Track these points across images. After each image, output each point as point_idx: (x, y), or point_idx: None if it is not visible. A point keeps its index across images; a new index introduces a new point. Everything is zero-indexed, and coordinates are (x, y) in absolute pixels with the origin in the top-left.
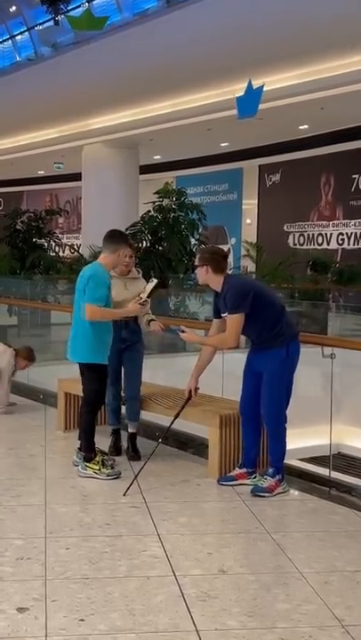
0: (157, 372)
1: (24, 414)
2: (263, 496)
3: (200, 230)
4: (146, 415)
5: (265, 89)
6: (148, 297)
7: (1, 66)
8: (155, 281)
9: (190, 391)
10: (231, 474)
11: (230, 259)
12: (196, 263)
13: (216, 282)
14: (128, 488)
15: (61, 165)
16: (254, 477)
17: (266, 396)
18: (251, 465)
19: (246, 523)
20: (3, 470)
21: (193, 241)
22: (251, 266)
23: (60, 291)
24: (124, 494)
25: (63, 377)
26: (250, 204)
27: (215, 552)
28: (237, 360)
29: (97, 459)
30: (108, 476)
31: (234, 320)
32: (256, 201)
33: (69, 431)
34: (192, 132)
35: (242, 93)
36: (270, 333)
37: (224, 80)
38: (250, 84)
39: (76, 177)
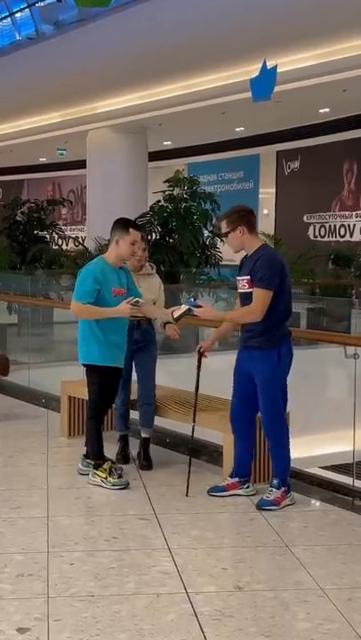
0: (171, 373)
1: (25, 420)
2: (271, 509)
3: (213, 221)
4: (157, 421)
5: (283, 70)
6: (177, 318)
7: (0, 45)
8: (191, 304)
9: (200, 353)
10: (222, 484)
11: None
12: (226, 229)
13: (252, 243)
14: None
15: (64, 152)
16: (247, 487)
17: (262, 405)
18: (243, 474)
19: (264, 536)
20: (1, 480)
21: (206, 233)
22: None
23: (64, 287)
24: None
25: (67, 379)
26: (267, 194)
27: (230, 567)
28: None
29: (105, 466)
30: (113, 485)
31: (262, 295)
32: (274, 190)
33: (73, 438)
34: (205, 116)
35: (256, 74)
36: (268, 330)
37: (239, 60)
38: (264, 65)
39: (81, 164)
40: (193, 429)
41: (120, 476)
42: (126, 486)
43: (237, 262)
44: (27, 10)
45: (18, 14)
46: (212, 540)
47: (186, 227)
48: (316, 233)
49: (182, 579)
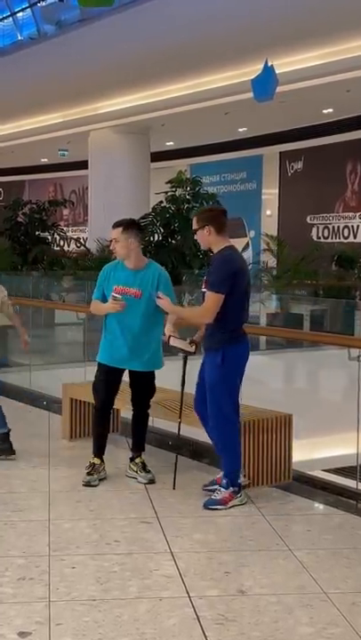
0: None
1: (26, 422)
2: (216, 509)
3: None
4: (159, 423)
5: (287, 70)
6: (170, 344)
7: (1, 45)
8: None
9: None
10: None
11: (249, 253)
12: (195, 226)
13: (218, 244)
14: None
15: (66, 152)
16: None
17: (208, 407)
18: None
19: (267, 539)
20: (2, 483)
21: None
22: (271, 261)
23: (66, 288)
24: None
25: (68, 381)
26: (270, 194)
27: (233, 571)
28: (258, 363)
29: (93, 460)
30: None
31: (211, 298)
32: (277, 191)
33: (75, 440)
34: (208, 117)
35: (257, 74)
36: (212, 331)
37: (242, 60)
38: (266, 65)
39: (83, 165)
40: (179, 426)
41: (89, 474)
42: (87, 484)
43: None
44: (28, 9)
45: (19, 14)
46: (215, 544)
47: (188, 228)
48: (320, 234)
49: (185, 583)
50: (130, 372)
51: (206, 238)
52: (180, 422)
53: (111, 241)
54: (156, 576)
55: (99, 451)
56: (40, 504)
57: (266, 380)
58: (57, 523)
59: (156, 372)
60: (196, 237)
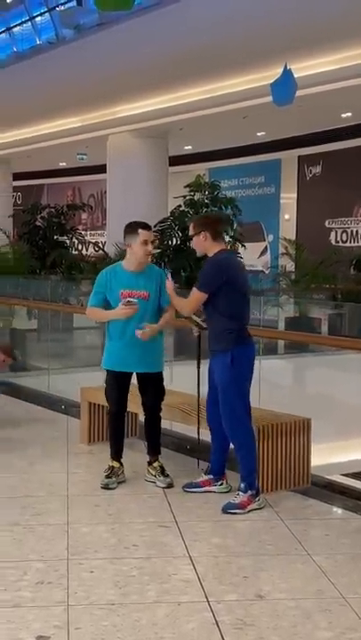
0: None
1: (44, 426)
2: (235, 513)
3: (235, 226)
4: (176, 427)
5: (305, 74)
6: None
7: (20, 49)
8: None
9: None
10: (196, 481)
11: (267, 257)
12: (192, 232)
13: (213, 249)
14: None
15: (85, 157)
16: (220, 484)
17: (221, 409)
18: (216, 472)
19: (285, 544)
20: (21, 487)
21: (227, 238)
22: (289, 265)
23: (84, 292)
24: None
25: (86, 385)
26: (288, 199)
27: (252, 575)
28: (276, 367)
29: (112, 464)
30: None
31: (194, 294)
32: (295, 195)
33: (93, 444)
34: (226, 121)
35: (277, 78)
36: (218, 333)
37: (260, 64)
38: (285, 68)
39: (101, 169)
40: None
41: (108, 477)
42: (105, 487)
43: (259, 267)
44: (47, 14)
45: (38, 18)
46: (234, 548)
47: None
48: (338, 238)
49: (203, 587)
50: (138, 376)
51: (202, 244)
52: (198, 427)
53: (145, 242)
54: (174, 580)
55: (116, 454)
56: (58, 508)
57: (284, 384)
58: (75, 526)
59: (173, 376)
60: (192, 244)
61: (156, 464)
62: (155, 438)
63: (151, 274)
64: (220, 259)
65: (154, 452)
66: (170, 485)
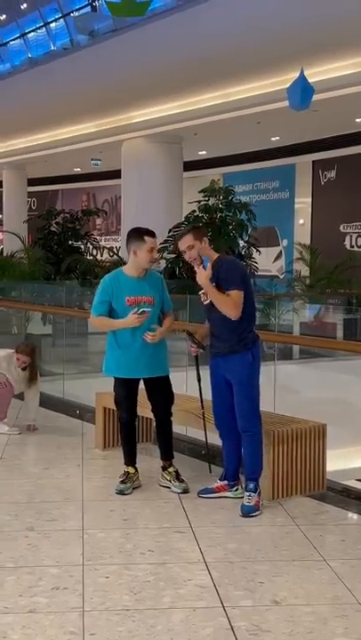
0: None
1: (59, 431)
2: (255, 515)
3: (249, 231)
4: (192, 432)
5: (320, 79)
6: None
7: (35, 55)
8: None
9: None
10: (211, 486)
11: (282, 262)
12: (192, 242)
13: (212, 254)
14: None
15: (99, 162)
16: (236, 490)
17: (240, 406)
18: (232, 478)
19: (301, 549)
20: (36, 492)
21: (242, 243)
22: (304, 269)
23: None
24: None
25: (101, 390)
26: (303, 203)
27: (267, 581)
28: (291, 372)
29: (127, 469)
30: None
31: (239, 295)
32: (310, 199)
33: (108, 449)
34: (240, 126)
35: (293, 83)
36: (239, 334)
37: (275, 69)
38: (302, 74)
39: (115, 174)
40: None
41: (123, 483)
42: (120, 492)
43: (274, 272)
44: (61, 20)
45: (52, 24)
46: (249, 554)
47: (221, 237)
48: (353, 243)
49: (219, 593)
50: (146, 382)
51: (206, 250)
52: (205, 429)
53: (151, 250)
54: (190, 586)
55: (130, 460)
56: (73, 513)
57: (300, 390)
58: (90, 532)
59: (187, 382)
60: (187, 257)
61: (170, 469)
62: (167, 443)
63: (153, 279)
64: (235, 259)
65: (167, 456)
66: (185, 491)
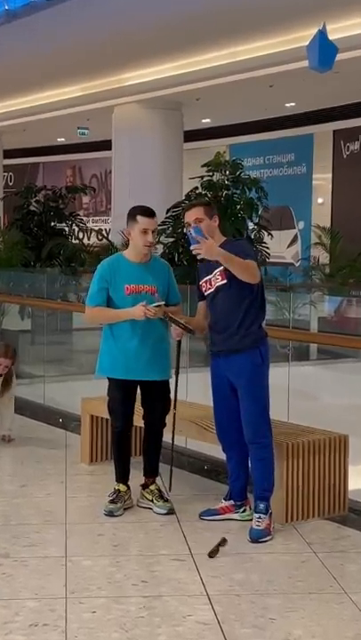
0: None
1: (39, 443)
2: (266, 541)
3: (260, 212)
4: (194, 446)
5: (341, 36)
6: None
7: (13, 7)
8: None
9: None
10: (214, 507)
11: (297, 247)
12: (203, 215)
13: (219, 235)
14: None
15: (86, 131)
16: (243, 511)
17: (248, 413)
18: (238, 497)
19: (319, 580)
20: (12, 513)
21: (251, 225)
22: (323, 256)
23: (85, 287)
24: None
25: (88, 395)
26: (322, 179)
27: (280, 617)
28: (308, 375)
29: (118, 487)
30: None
31: (254, 264)
32: (330, 175)
33: (96, 464)
34: (250, 90)
35: (312, 40)
36: (247, 328)
37: (290, 25)
38: (324, 29)
39: (105, 145)
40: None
41: (113, 503)
42: (109, 514)
43: (288, 259)
44: None
45: None
46: (258, 586)
47: (227, 218)
48: None
49: (223, 631)
50: (142, 386)
51: (214, 228)
52: (173, 430)
53: (144, 231)
54: (189, 623)
55: (122, 476)
56: (55, 538)
57: (317, 395)
58: (75, 560)
59: (187, 386)
60: (190, 230)
61: (153, 487)
62: (156, 457)
63: (158, 267)
64: (246, 243)
65: (152, 472)
66: (171, 512)
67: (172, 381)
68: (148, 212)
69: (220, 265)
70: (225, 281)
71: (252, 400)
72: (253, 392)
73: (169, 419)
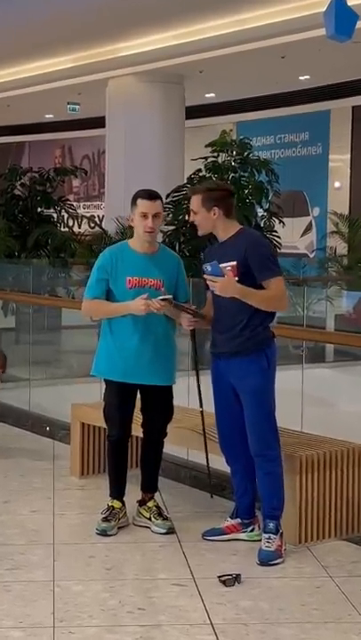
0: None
1: (24, 454)
2: (277, 563)
3: (270, 197)
4: (198, 459)
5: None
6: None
7: None
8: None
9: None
10: (219, 526)
11: (312, 236)
12: (198, 207)
13: (228, 229)
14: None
15: (77, 107)
16: (251, 530)
17: (252, 423)
18: (246, 515)
19: (335, 607)
20: None
21: (260, 212)
22: (341, 246)
23: (76, 280)
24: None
25: (79, 401)
26: (340, 161)
27: None
28: (324, 379)
29: (111, 503)
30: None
31: (281, 282)
32: (348, 156)
33: (87, 477)
34: (259, 61)
35: (329, 5)
36: (253, 329)
37: None
38: None
39: (98, 123)
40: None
41: (106, 521)
42: (102, 533)
43: (302, 250)
44: None
45: None
46: (268, 614)
47: (235, 204)
48: None
49: None
50: (142, 390)
51: (211, 222)
52: (206, 447)
53: (144, 215)
54: None
55: (117, 491)
56: (42, 560)
57: (334, 401)
58: (64, 584)
59: (189, 391)
60: (192, 219)
61: (150, 503)
62: (155, 470)
63: (166, 259)
64: (261, 235)
65: (150, 487)
66: (171, 531)
67: (180, 386)
68: (148, 195)
69: (232, 259)
70: (236, 279)
71: (255, 406)
72: (258, 398)
73: (191, 435)
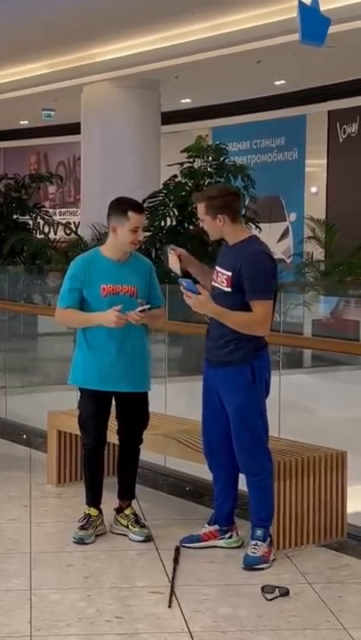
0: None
1: (0, 462)
2: (262, 568)
3: (247, 202)
4: (175, 464)
5: (338, 6)
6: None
7: None
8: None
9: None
10: (197, 533)
11: (289, 242)
12: (203, 214)
13: (237, 234)
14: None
15: (52, 113)
16: (230, 537)
17: (236, 436)
18: (224, 522)
19: (314, 614)
20: None
21: None
22: (317, 251)
23: (52, 287)
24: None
25: (55, 409)
26: (316, 166)
27: None
28: (301, 385)
29: (88, 511)
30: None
31: (266, 307)
32: (325, 161)
33: (64, 485)
34: (235, 67)
35: (304, 10)
36: (239, 339)
37: None
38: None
39: (73, 129)
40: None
41: (83, 529)
42: (79, 541)
43: (279, 255)
44: None
45: None
46: (247, 621)
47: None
48: None
49: None
50: (117, 397)
51: (219, 229)
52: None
53: (135, 230)
54: None
55: (94, 499)
56: (19, 569)
57: (312, 407)
58: (41, 593)
59: (166, 397)
60: (200, 225)
61: (128, 511)
62: (132, 477)
63: (138, 265)
64: (263, 252)
65: (128, 494)
66: (148, 538)
67: (155, 392)
68: (140, 208)
69: (229, 269)
70: (229, 289)
71: (238, 420)
72: (240, 412)
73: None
